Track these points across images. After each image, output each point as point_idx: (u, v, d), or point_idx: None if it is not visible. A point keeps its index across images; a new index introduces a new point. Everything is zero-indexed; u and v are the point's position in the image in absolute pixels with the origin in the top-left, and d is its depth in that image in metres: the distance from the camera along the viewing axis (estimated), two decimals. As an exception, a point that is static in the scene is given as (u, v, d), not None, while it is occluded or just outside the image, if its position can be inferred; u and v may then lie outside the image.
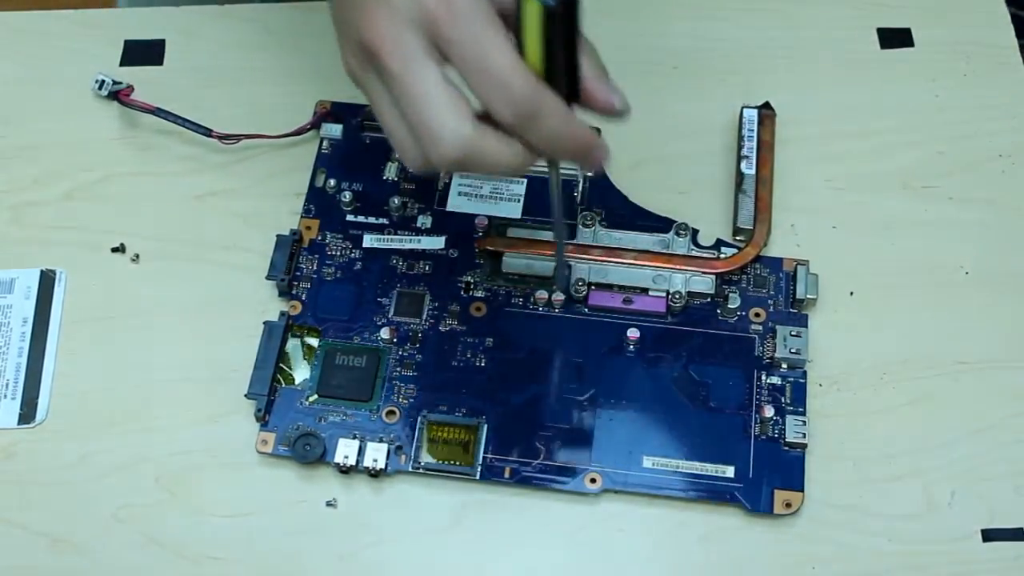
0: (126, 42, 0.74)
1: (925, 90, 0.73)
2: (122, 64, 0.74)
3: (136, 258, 0.67)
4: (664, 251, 0.66)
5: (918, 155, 0.71)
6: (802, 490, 0.60)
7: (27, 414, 0.63)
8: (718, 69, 0.73)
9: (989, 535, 0.60)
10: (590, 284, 0.65)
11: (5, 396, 0.64)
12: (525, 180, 0.68)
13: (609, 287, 0.65)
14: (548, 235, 0.66)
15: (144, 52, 0.74)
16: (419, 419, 0.62)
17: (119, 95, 0.70)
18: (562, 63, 0.49)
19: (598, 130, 0.59)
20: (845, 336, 0.65)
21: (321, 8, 0.76)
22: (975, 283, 0.67)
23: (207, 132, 0.69)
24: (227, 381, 0.64)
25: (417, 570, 0.60)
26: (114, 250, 0.68)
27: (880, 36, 0.75)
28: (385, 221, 0.68)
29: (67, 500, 0.61)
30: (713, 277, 0.65)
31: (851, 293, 0.66)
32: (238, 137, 0.69)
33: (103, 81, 0.71)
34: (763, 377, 0.63)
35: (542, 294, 0.65)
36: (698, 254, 0.66)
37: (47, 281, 0.67)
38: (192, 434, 0.63)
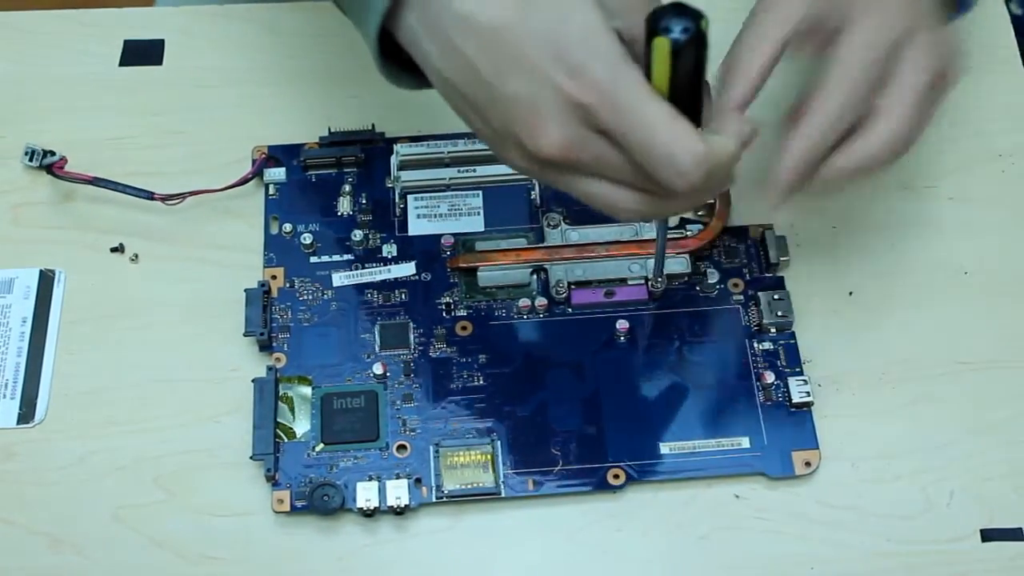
0: (126, 42, 0.74)
1: (925, 90, 0.73)
2: (122, 64, 0.74)
3: (135, 258, 0.67)
4: (634, 238, 0.66)
5: (918, 155, 0.71)
6: (817, 447, 0.61)
7: (26, 414, 0.63)
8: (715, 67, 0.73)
9: (988, 535, 0.60)
10: (570, 284, 0.65)
11: (4, 396, 0.64)
12: (480, 192, 0.68)
13: (588, 283, 0.65)
14: (516, 243, 0.66)
15: (144, 52, 0.74)
16: (431, 448, 0.61)
17: (52, 168, 0.68)
18: (687, 92, 0.50)
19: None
20: (845, 336, 0.65)
21: (315, 8, 0.76)
22: (975, 283, 0.67)
23: (149, 195, 0.67)
24: (227, 381, 0.64)
25: (417, 570, 0.60)
26: (113, 250, 0.68)
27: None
28: (350, 256, 0.67)
29: (67, 500, 0.61)
30: (687, 256, 0.65)
31: (851, 293, 0.66)
32: (182, 196, 0.67)
33: (33, 152, 0.69)
34: (755, 344, 0.64)
35: (525, 302, 0.65)
36: (668, 235, 0.65)
37: (46, 281, 0.67)
38: (192, 434, 0.63)
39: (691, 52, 0.48)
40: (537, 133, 0.49)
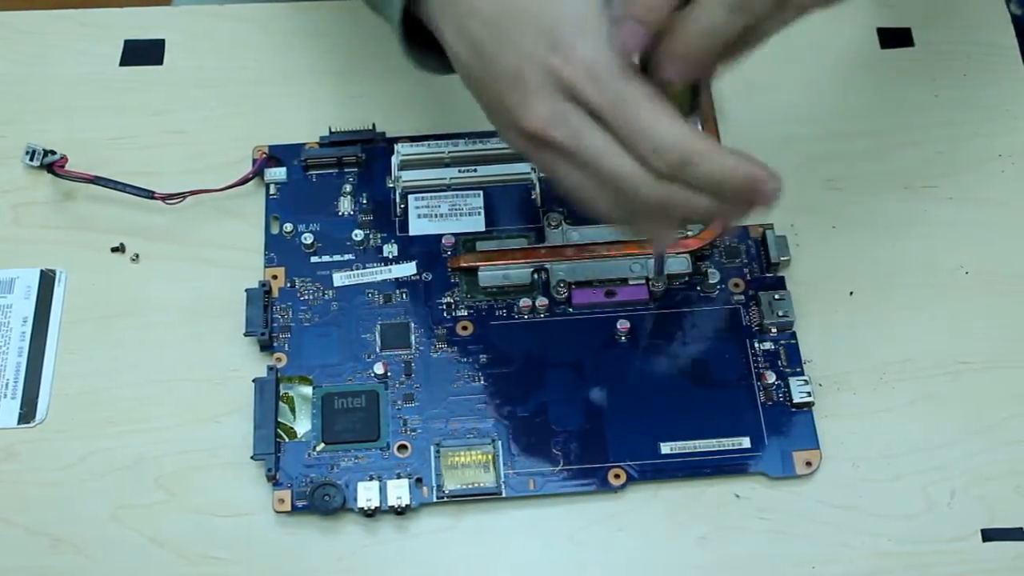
0: (126, 42, 0.74)
1: (925, 90, 0.73)
2: (122, 64, 0.74)
3: (136, 258, 0.67)
4: (635, 238, 0.66)
5: (918, 155, 0.71)
6: (818, 447, 0.61)
7: (27, 414, 0.63)
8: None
9: (989, 535, 0.60)
10: (570, 284, 0.65)
11: (5, 396, 0.64)
12: (481, 192, 0.68)
13: (589, 283, 0.65)
14: (517, 243, 0.66)
15: (144, 52, 0.74)
16: (432, 448, 0.61)
17: (53, 167, 0.68)
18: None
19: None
20: (845, 336, 0.65)
21: (315, 8, 0.76)
22: (975, 283, 0.67)
23: (149, 194, 0.67)
24: (227, 381, 0.64)
25: (418, 570, 0.60)
26: (114, 250, 0.68)
27: (880, 36, 0.75)
28: (351, 256, 0.67)
29: (67, 500, 0.61)
30: (687, 256, 0.65)
31: (851, 293, 0.67)
32: (182, 195, 0.67)
33: (34, 151, 0.69)
34: (756, 344, 0.64)
35: (526, 302, 0.65)
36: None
37: (47, 281, 0.67)
38: (192, 434, 0.63)
39: None
40: (523, 106, 0.51)
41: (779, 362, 0.64)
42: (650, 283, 0.65)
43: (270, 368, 0.63)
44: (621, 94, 0.49)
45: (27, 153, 0.69)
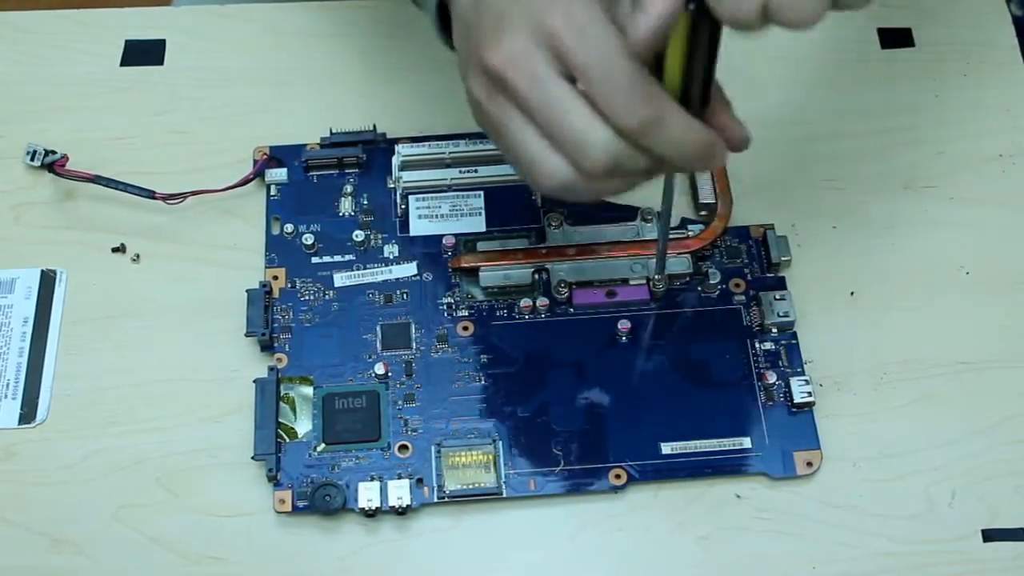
0: (126, 42, 0.74)
1: (925, 90, 0.73)
2: (122, 64, 0.74)
3: (136, 258, 0.67)
4: (636, 239, 0.66)
5: (918, 155, 0.71)
6: (819, 448, 0.61)
7: (27, 414, 0.63)
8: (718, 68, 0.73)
9: (989, 535, 0.60)
10: (571, 284, 0.65)
11: (6, 396, 0.64)
12: (482, 192, 0.68)
13: (590, 283, 0.65)
14: (517, 243, 0.66)
15: (144, 52, 0.74)
16: (433, 448, 0.61)
17: (54, 166, 0.68)
18: (700, 74, 0.50)
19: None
20: (845, 336, 0.65)
21: (316, 8, 0.76)
22: (975, 283, 0.67)
23: (150, 194, 0.67)
24: (227, 381, 0.64)
25: (418, 570, 0.60)
26: (114, 250, 0.68)
27: (880, 36, 0.75)
28: (352, 257, 0.67)
29: (67, 500, 0.61)
30: (688, 256, 0.66)
31: (851, 293, 0.67)
32: (183, 196, 0.67)
33: (34, 152, 0.69)
34: (756, 344, 0.64)
35: (526, 302, 0.65)
36: (670, 236, 0.65)
37: (48, 281, 0.67)
38: (192, 434, 0.63)
39: (707, 28, 0.48)
40: (493, 40, 0.50)
41: (780, 362, 0.64)
42: (651, 283, 0.65)
43: (271, 368, 0.63)
44: (605, 46, 0.48)
45: (28, 153, 0.69)
